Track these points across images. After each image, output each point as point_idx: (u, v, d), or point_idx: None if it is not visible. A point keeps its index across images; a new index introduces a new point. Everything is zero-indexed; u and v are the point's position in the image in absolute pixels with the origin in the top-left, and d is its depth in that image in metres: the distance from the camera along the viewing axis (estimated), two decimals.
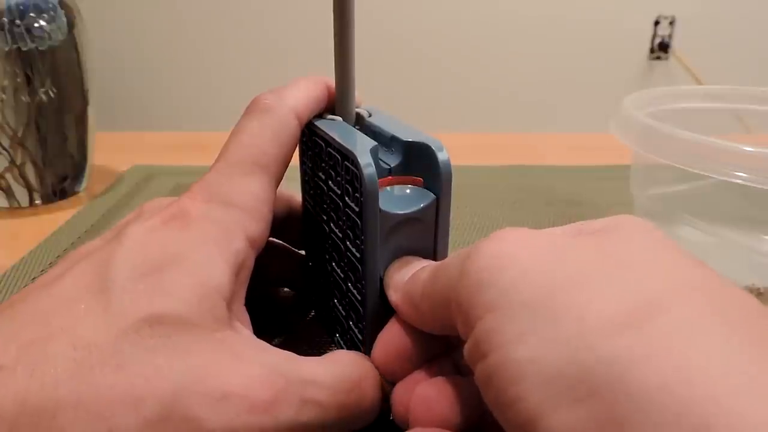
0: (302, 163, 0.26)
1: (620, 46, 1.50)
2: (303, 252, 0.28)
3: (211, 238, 0.19)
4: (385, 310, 0.21)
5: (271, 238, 0.27)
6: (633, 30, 1.49)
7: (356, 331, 0.23)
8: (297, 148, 0.26)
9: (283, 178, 0.23)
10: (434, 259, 0.22)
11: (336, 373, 0.19)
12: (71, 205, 0.43)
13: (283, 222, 0.27)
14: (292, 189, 0.27)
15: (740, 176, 0.25)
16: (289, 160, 0.22)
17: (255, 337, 0.19)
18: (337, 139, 0.21)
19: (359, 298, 0.22)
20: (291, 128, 0.22)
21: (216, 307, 0.18)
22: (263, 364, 0.17)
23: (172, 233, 0.19)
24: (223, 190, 0.20)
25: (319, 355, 0.19)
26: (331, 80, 0.24)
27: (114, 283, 0.17)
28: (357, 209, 0.20)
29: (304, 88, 0.23)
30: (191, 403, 0.16)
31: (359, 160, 0.19)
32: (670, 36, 1.49)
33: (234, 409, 0.16)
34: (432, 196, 0.21)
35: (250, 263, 0.20)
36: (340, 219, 0.22)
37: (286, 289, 0.30)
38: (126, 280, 0.17)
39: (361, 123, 0.24)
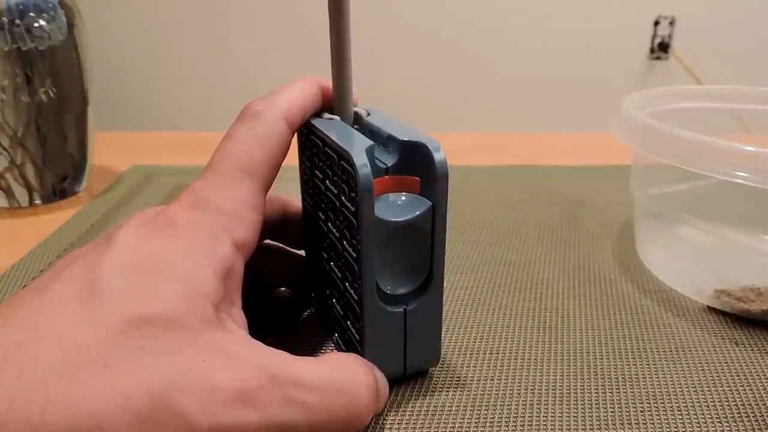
0: (301, 162, 0.26)
1: (620, 46, 1.50)
2: (301, 252, 0.28)
3: (198, 244, 0.19)
4: (382, 311, 0.21)
5: (268, 241, 0.27)
6: (633, 30, 1.49)
7: (353, 330, 0.23)
8: (297, 149, 0.26)
9: (283, 178, 0.23)
10: (431, 263, 0.22)
11: (326, 375, 0.19)
12: (71, 205, 0.43)
13: (279, 225, 0.27)
14: (291, 189, 0.27)
15: (740, 176, 0.25)
16: (279, 165, 0.22)
17: (248, 336, 0.19)
18: (334, 138, 0.21)
19: (356, 297, 0.22)
20: (280, 133, 0.22)
21: (203, 309, 0.18)
22: (250, 362, 0.18)
23: (160, 240, 0.19)
24: (210, 197, 0.20)
25: (315, 355, 0.19)
26: (326, 80, 0.24)
27: (102, 287, 0.17)
28: (353, 209, 0.20)
29: (297, 91, 0.23)
30: (179, 398, 0.16)
31: (354, 159, 0.19)
32: (670, 36, 1.49)
33: (219, 404, 0.16)
34: (428, 203, 0.21)
35: (239, 267, 0.21)
36: (337, 219, 0.22)
37: (283, 289, 0.30)
38: (114, 284, 0.17)
39: (359, 122, 0.23)
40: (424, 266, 0.22)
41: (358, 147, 0.20)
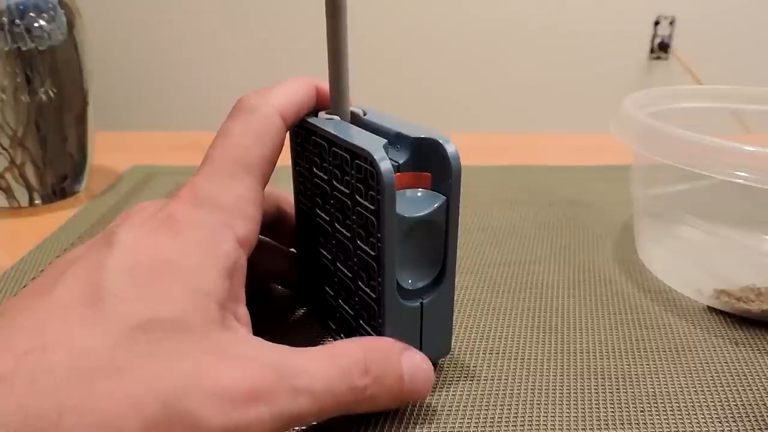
0: (296, 164, 0.26)
1: (620, 46, 1.50)
2: (294, 250, 0.28)
3: (200, 242, 0.19)
4: (402, 307, 0.21)
5: (261, 236, 0.27)
6: (633, 30, 1.49)
7: (368, 329, 0.23)
8: (289, 150, 0.26)
9: (279, 179, 0.23)
10: (444, 256, 0.22)
11: (326, 363, 0.19)
12: (71, 205, 0.43)
13: (273, 221, 0.27)
14: (285, 189, 0.27)
15: (740, 176, 0.25)
16: (276, 159, 0.22)
17: (252, 335, 0.19)
18: (345, 138, 0.21)
19: (374, 295, 0.22)
20: (275, 127, 0.22)
21: (208, 310, 0.18)
22: (256, 360, 0.18)
23: (162, 240, 0.19)
24: (210, 193, 0.20)
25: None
26: (320, 81, 0.24)
27: (107, 291, 0.17)
28: (373, 207, 0.20)
29: (290, 88, 0.23)
30: (191, 402, 0.16)
31: (376, 158, 0.19)
32: (670, 36, 1.49)
33: (230, 404, 0.16)
34: (442, 197, 0.21)
35: (243, 263, 0.21)
36: (348, 218, 0.22)
37: (281, 288, 0.30)
38: (118, 287, 0.17)
39: (357, 121, 0.23)
40: (440, 259, 0.22)
41: (375, 145, 0.20)
